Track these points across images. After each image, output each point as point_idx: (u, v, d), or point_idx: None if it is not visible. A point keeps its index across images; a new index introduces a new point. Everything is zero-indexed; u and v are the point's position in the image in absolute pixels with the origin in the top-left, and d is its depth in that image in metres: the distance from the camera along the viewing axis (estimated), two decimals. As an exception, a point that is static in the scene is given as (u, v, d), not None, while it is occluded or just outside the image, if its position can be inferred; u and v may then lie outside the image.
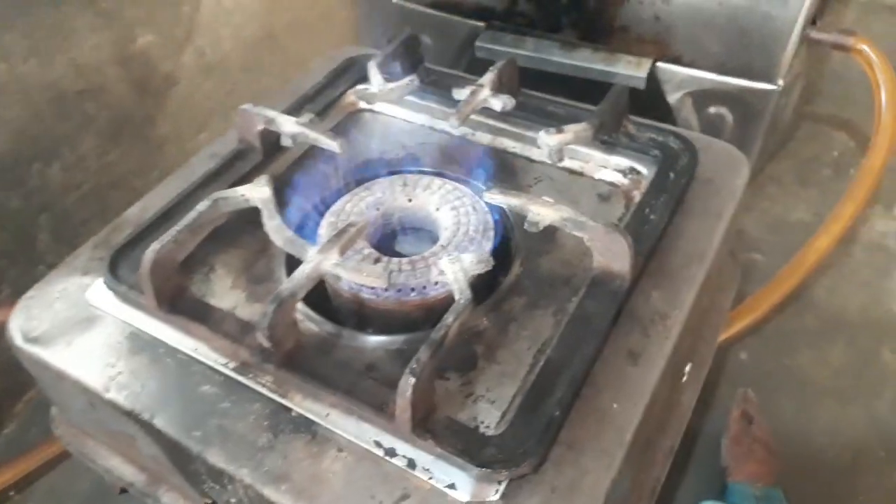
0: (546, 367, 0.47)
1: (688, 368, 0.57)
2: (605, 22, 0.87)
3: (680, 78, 0.85)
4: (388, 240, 0.60)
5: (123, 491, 0.66)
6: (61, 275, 0.57)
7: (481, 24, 0.94)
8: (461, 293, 0.46)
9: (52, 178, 0.71)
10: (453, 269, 0.47)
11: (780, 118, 0.87)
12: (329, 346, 0.51)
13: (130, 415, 0.49)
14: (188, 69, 0.82)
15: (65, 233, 0.74)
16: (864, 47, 0.75)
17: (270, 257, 0.58)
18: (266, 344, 0.46)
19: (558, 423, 0.44)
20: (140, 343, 0.51)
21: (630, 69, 0.85)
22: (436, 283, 0.51)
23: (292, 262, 0.57)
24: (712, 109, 0.86)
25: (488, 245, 0.55)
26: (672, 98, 0.87)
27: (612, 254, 0.50)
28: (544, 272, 0.56)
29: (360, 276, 0.47)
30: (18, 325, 0.54)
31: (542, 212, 0.50)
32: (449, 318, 0.44)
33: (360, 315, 0.54)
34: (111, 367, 0.50)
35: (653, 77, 0.85)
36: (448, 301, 0.52)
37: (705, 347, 0.62)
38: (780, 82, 0.81)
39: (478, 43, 0.93)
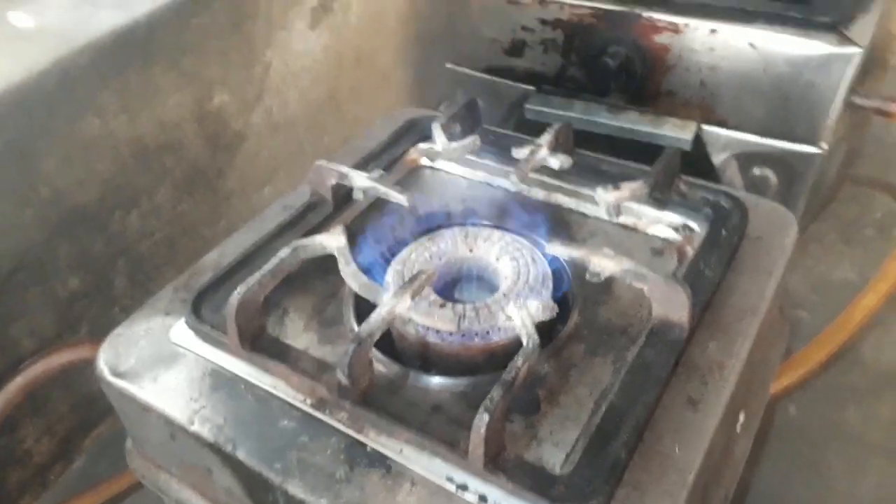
0: (610, 412, 0.49)
1: (741, 418, 0.58)
2: (653, 87, 0.91)
3: (725, 140, 0.89)
4: (449, 288, 0.63)
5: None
6: (145, 315, 0.61)
7: (531, 87, 0.99)
8: (529, 337, 0.48)
9: (130, 225, 0.76)
10: (520, 315, 0.50)
11: (824, 180, 0.90)
12: (397, 386, 0.53)
13: (212, 447, 0.52)
14: (257, 127, 0.87)
15: (139, 277, 0.78)
16: (906, 113, 0.78)
17: (339, 303, 0.61)
18: (345, 381, 0.49)
19: (624, 464, 0.46)
20: (221, 380, 0.55)
21: (676, 132, 0.89)
22: (499, 329, 0.54)
23: (360, 308, 0.60)
24: (757, 171, 0.89)
25: (548, 294, 0.58)
26: (717, 159, 0.90)
27: (670, 304, 0.53)
28: (601, 322, 0.58)
29: (431, 320, 0.50)
30: (107, 361, 0.57)
31: (603, 263, 0.53)
32: (519, 360, 0.47)
33: (424, 358, 0.57)
34: (194, 402, 0.53)
35: (698, 139, 0.89)
36: (509, 347, 0.55)
37: (757, 399, 0.63)
38: (824, 146, 0.84)
39: (527, 105, 0.98)
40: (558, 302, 0.59)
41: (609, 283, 0.61)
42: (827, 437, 0.74)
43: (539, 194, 0.71)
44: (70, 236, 0.70)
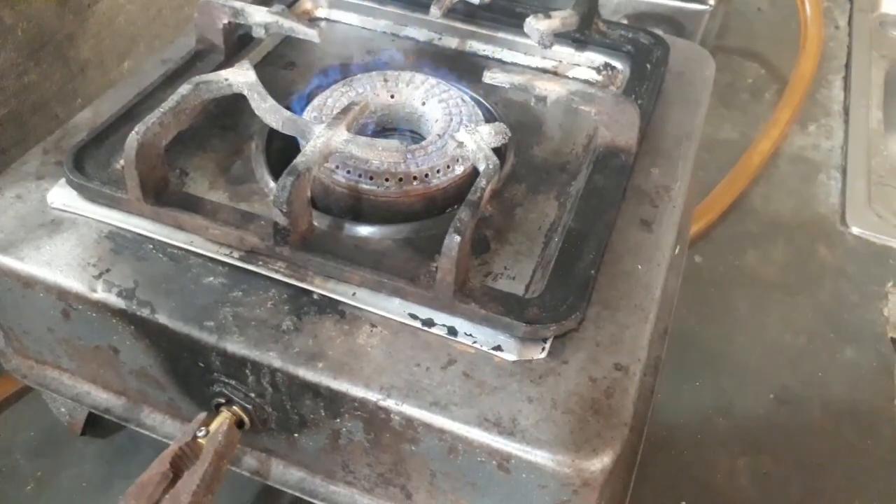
0: (570, 236, 0.46)
1: (676, 250, 0.58)
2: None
3: (617, 1, 0.88)
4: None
5: (84, 433, 0.60)
6: (10, 180, 0.50)
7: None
8: (487, 159, 0.44)
9: (-35, 99, 0.63)
10: (474, 140, 0.46)
11: (707, 40, 0.91)
12: (332, 238, 0.48)
13: (123, 315, 0.44)
14: (110, -14, 0.75)
15: (-18, 161, 0.65)
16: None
17: (246, 159, 0.54)
18: (283, 222, 0.43)
19: (592, 281, 0.44)
20: (122, 241, 0.47)
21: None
22: (457, 163, 0.49)
23: (272, 162, 0.53)
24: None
25: (486, 131, 0.54)
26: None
27: (620, 126, 0.50)
28: (538, 161, 0.55)
29: (375, 152, 0.45)
30: (-32, 234, 0.47)
31: (549, 86, 0.50)
32: (482, 181, 0.43)
33: (354, 211, 0.51)
34: (93, 267, 0.45)
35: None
36: (449, 189, 0.51)
37: (684, 236, 0.64)
38: (711, 2, 0.85)
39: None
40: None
41: (539, 124, 0.59)
42: (731, 281, 0.76)
43: (452, 42, 0.66)
44: None
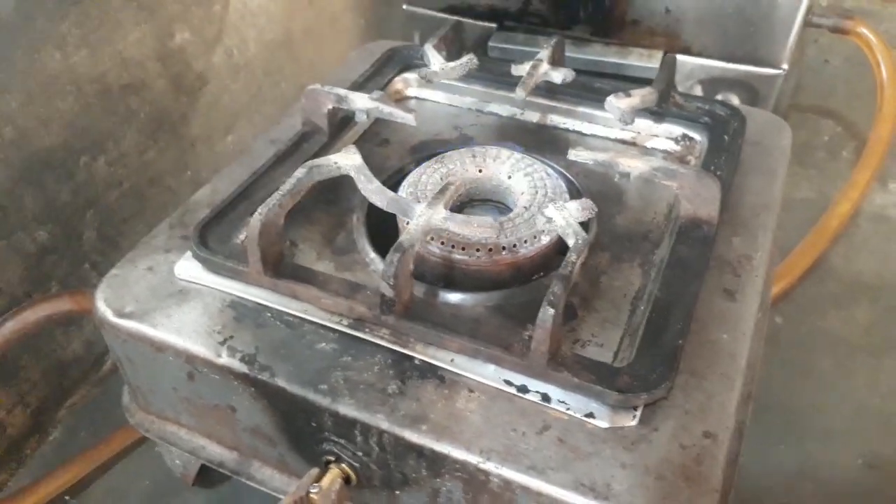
0: (657, 305, 0.49)
1: (758, 316, 0.60)
2: (617, 17, 0.91)
3: (690, 67, 0.90)
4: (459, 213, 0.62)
5: (195, 484, 0.64)
6: (142, 253, 0.56)
7: (493, 24, 0.98)
8: (576, 234, 0.48)
9: (97, 173, 0.70)
10: (562, 216, 0.49)
11: (781, 103, 0.93)
12: (428, 305, 0.52)
13: (245, 378, 0.48)
14: (218, 69, 0.82)
15: (108, 231, 0.72)
16: (863, 30, 0.82)
17: (349, 232, 0.59)
18: (389, 293, 0.47)
19: (680, 350, 0.46)
20: (244, 310, 0.51)
21: (643, 61, 0.90)
22: (544, 234, 0.53)
23: (373, 234, 0.58)
24: (721, 96, 0.91)
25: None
26: (683, 87, 0.91)
27: (700, 200, 0.53)
28: (620, 230, 0.58)
29: (470, 229, 0.49)
30: (108, 303, 0.53)
31: (632, 163, 0.53)
32: (572, 256, 0.46)
33: (446, 279, 0.55)
34: (218, 334, 0.50)
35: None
36: (536, 259, 0.54)
37: (767, 301, 0.65)
38: (785, 66, 0.87)
39: (491, 43, 0.96)
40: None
41: (619, 194, 0.61)
42: (814, 342, 0.77)
43: (534, 117, 0.70)
44: (36, 183, 0.64)
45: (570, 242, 0.48)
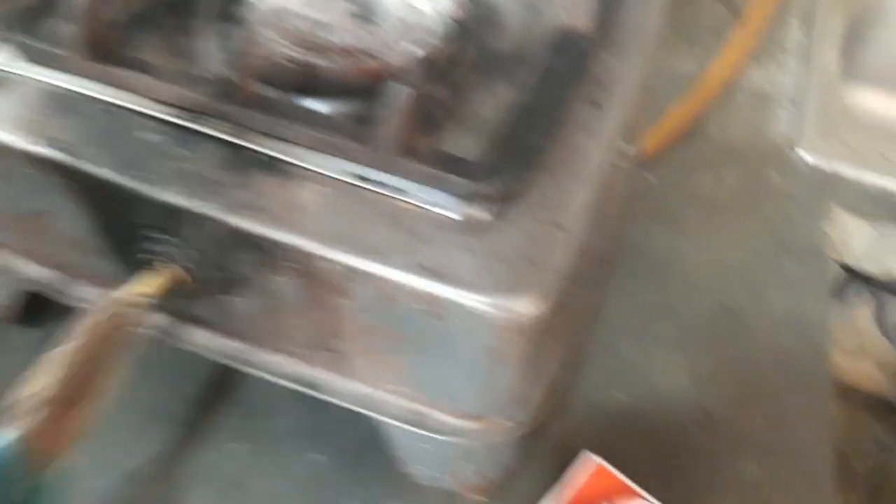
0: (523, 111, 0.46)
1: (628, 149, 0.59)
2: None
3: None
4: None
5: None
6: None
7: None
8: (444, 21, 0.44)
9: None
10: (432, 4, 0.46)
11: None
12: (279, 104, 0.47)
13: (66, 171, 0.43)
14: None
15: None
16: None
17: (194, 36, 0.53)
18: (233, 76, 0.43)
19: (540, 147, 0.44)
20: (67, 101, 0.45)
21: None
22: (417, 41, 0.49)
23: (221, 39, 0.52)
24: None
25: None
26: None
27: (574, 5, 0.50)
28: (496, 52, 0.55)
29: (330, 15, 0.45)
30: None
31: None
32: (436, 41, 0.43)
33: (305, 88, 0.51)
34: (34, 123, 0.44)
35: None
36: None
37: (636, 139, 0.65)
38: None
39: None
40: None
41: (494, 17, 0.58)
42: (684, 200, 0.78)
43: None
44: None
45: (437, 28, 0.45)
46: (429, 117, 0.48)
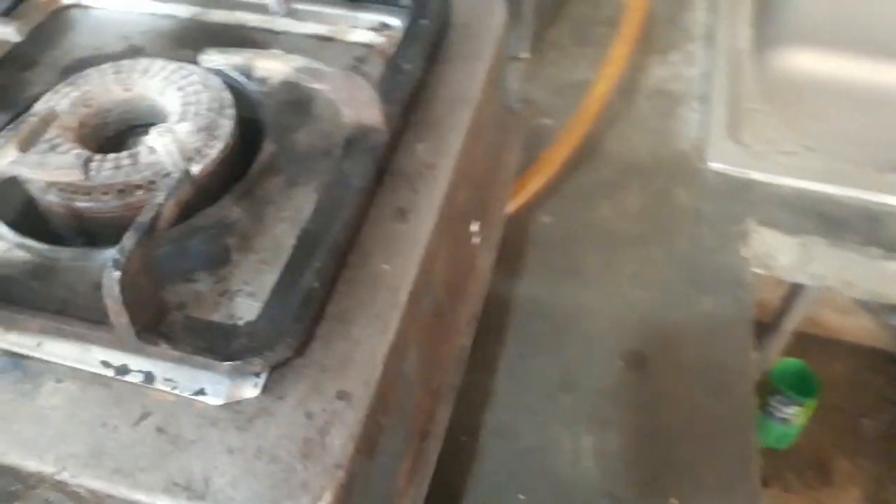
0: (303, 240, 0.40)
1: (475, 228, 0.52)
2: None
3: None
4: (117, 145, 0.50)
5: None
6: None
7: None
8: (175, 166, 0.38)
9: None
10: (163, 142, 0.39)
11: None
12: (46, 270, 0.41)
13: None
14: None
15: None
16: None
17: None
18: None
19: (319, 295, 0.38)
20: None
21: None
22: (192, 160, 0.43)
23: None
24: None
25: (229, 124, 0.47)
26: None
27: (359, 104, 0.44)
28: (303, 147, 0.48)
29: (45, 172, 0.38)
30: None
31: (270, 65, 0.43)
32: (159, 196, 0.36)
33: (86, 232, 0.45)
34: None
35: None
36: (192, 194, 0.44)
37: (495, 206, 0.58)
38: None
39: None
40: (249, 134, 0.49)
41: (308, 103, 0.51)
42: (582, 238, 0.71)
43: (218, 15, 0.58)
44: None
45: (170, 174, 0.38)
46: (216, 252, 0.42)
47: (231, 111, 0.48)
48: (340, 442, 0.34)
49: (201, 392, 0.35)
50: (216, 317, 0.39)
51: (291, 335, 0.36)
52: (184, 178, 0.37)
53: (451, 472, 0.56)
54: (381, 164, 0.44)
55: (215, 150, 0.45)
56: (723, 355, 0.62)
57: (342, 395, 0.35)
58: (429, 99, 0.49)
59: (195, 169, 0.39)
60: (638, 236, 0.71)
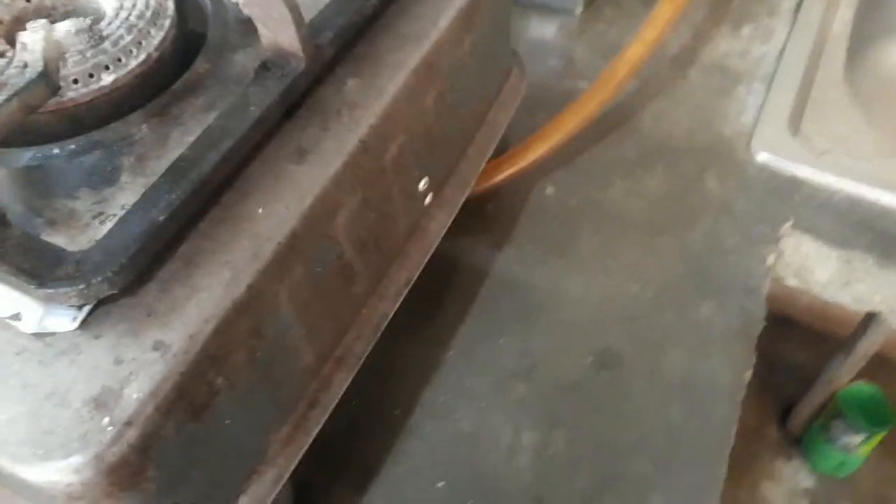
0: (172, 169, 0.36)
1: (423, 185, 0.47)
2: None
3: None
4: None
5: None
6: None
7: None
8: (32, 66, 0.34)
9: None
10: (34, 39, 0.35)
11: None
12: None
13: None
14: None
15: None
16: None
17: None
18: None
19: (165, 230, 0.33)
20: None
21: None
22: (106, 67, 0.39)
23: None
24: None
25: (159, 35, 0.43)
26: None
27: (275, 23, 0.38)
28: (237, 70, 0.44)
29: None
30: None
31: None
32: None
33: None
34: None
35: None
36: (105, 102, 0.41)
37: (462, 166, 0.51)
38: None
39: None
40: (186, 46, 0.45)
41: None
42: (583, 216, 0.63)
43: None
44: None
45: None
46: (105, 171, 0.39)
47: (166, 22, 0.44)
48: (139, 396, 0.30)
49: (17, 317, 0.32)
50: (82, 239, 0.36)
51: (117, 270, 0.32)
52: (36, 81, 0.33)
53: (372, 444, 0.52)
54: (293, 95, 0.39)
55: (135, 60, 0.41)
56: (710, 372, 0.54)
57: (158, 346, 0.31)
58: (380, 31, 0.44)
59: (61, 71, 0.35)
60: (646, 223, 0.63)
